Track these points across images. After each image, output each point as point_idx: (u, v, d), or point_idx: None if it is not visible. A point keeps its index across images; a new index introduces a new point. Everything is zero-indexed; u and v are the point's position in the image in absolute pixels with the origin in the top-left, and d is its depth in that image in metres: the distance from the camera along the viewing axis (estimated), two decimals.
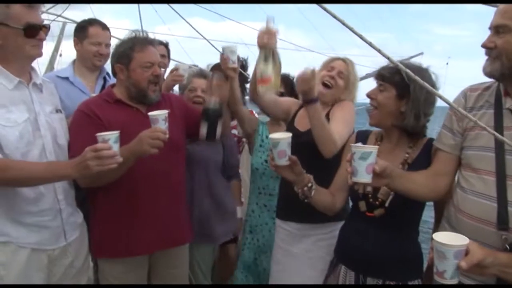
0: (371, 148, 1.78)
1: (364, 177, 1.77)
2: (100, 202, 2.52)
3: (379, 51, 1.63)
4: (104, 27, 3.34)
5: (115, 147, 2.03)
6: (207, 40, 3.61)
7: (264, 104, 2.90)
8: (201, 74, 3.27)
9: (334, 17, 1.60)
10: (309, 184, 2.15)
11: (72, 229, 2.38)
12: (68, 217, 2.35)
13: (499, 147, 1.87)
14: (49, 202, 2.24)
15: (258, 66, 2.32)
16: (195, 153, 3.07)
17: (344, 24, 1.60)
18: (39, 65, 9.27)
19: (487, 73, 1.87)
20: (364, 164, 1.75)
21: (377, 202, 2.16)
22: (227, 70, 2.75)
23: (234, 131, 3.77)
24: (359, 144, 1.86)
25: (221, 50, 2.80)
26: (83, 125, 2.39)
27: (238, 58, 2.76)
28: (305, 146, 2.44)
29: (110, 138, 2.03)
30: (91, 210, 2.58)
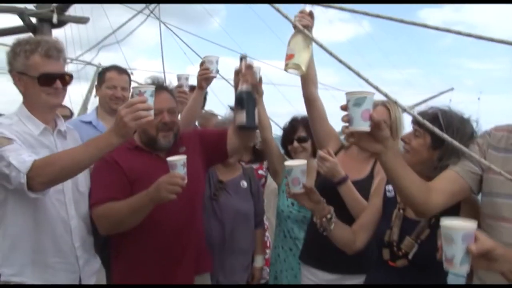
0: (365, 93, 1.65)
1: (360, 124, 1.63)
2: (122, 246, 2.52)
3: (385, 95, 1.59)
4: (121, 71, 3.47)
5: (150, 101, 1.99)
6: (226, 80, 3.64)
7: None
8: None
9: (331, 54, 1.60)
10: (329, 216, 2.13)
11: (88, 276, 2.39)
12: (84, 264, 2.36)
13: None
14: (66, 250, 2.26)
15: (289, 43, 2.27)
16: (227, 204, 3.12)
17: (349, 67, 1.59)
18: (73, 104, 9.73)
19: None
20: (360, 110, 1.63)
21: (400, 253, 2.07)
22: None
23: (261, 172, 3.75)
24: (353, 90, 1.70)
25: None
26: (103, 172, 2.43)
27: (261, 79, 2.76)
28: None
29: (146, 91, 1.99)
30: (113, 255, 2.58)
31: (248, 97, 2.38)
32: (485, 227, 1.88)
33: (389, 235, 2.11)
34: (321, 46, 1.82)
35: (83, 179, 2.38)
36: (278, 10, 1.68)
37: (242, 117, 2.37)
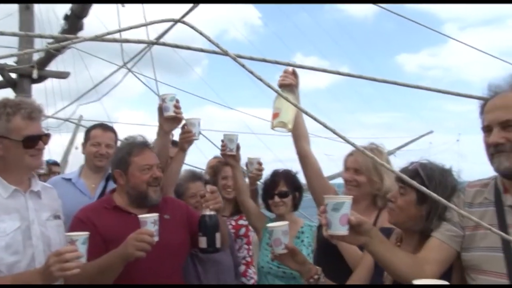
0: (344, 198, 1.74)
1: (339, 229, 1.72)
2: None
3: (353, 144, 1.64)
4: (106, 129, 3.49)
5: (82, 249, 1.99)
6: (204, 136, 3.72)
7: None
8: (194, 176, 3.31)
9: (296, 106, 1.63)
10: (316, 276, 2.11)
11: None
12: None
13: (507, 247, 1.78)
14: None
15: (274, 102, 2.34)
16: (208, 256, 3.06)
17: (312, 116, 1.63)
18: (52, 154, 9.67)
19: (504, 169, 1.80)
20: (338, 216, 1.71)
21: None
22: (226, 158, 2.88)
23: (242, 221, 3.71)
24: (331, 195, 1.81)
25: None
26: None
27: (238, 147, 2.86)
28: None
29: (78, 239, 1.99)
30: None
31: (210, 222, 2.47)
32: (470, 280, 1.90)
33: (388, 278, 2.08)
34: (286, 99, 1.89)
35: (57, 239, 2.32)
36: (243, 66, 1.72)
37: (203, 242, 2.47)
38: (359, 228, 1.76)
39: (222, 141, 2.87)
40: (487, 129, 1.84)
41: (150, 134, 2.85)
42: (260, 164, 3.48)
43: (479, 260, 1.87)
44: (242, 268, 3.63)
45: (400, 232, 2.21)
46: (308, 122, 2.75)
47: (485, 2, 2.72)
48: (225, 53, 1.69)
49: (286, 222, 2.15)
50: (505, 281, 1.74)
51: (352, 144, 1.85)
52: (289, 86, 2.35)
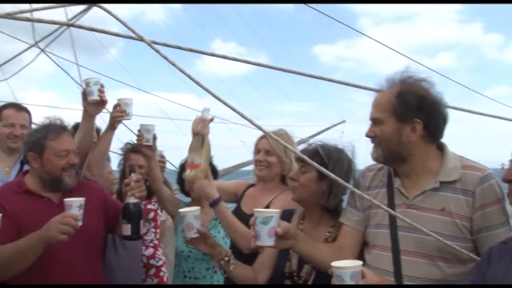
0: (273, 213, 1.88)
1: (266, 240, 1.85)
2: None
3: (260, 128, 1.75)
4: (20, 109, 3.31)
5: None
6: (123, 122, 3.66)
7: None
8: (137, 149, 3.31)
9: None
10: (226, 258, 2.20)
11: None
12: None
13: (393, 223, 2.01)
14: None
15: (190, 152, 2.37)
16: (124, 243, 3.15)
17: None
18: None
19: (374, 159, 2.06)
20: (266, 228, 1.84)
21: (301, 281, 2.20)
22: (142, 148, 2.82)
23: (150, 206, 3.74)
24: (261, 209, 1.94)
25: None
26: None
27: (155, 137, 2.83)
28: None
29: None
30: None
31: (135, 210, 2.47)
32: (366, 255, 2.10)
33: (289, 266, 2.25)
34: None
35: None
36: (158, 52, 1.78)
37: (127, 229, 2.46)
38: (285, 235, 1.92)
39: (139, 131, 2.83)
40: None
41: (63, 116, 2.73)
42: (163, 157, 3.58)
43: (371, 236, 2.09)
44: (151, 250, 3.68)
45: (301, 211, 2.38)
46: (224, 110, 2.88)
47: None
48: (140, 39, 1.72)
49: (197, 207, 2.22)
50: (389, 254, 1.97)
51: (260, 129, 2.00)
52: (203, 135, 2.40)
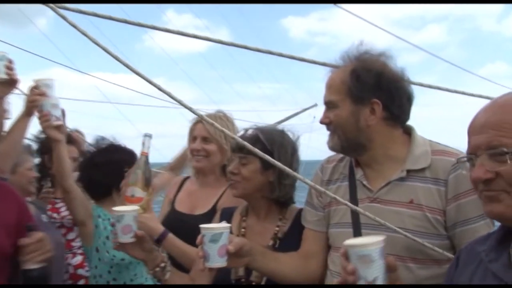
0: (222, 229, 1.64)
1: (217, 261, 1.62)
2: None
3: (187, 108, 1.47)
4: None
5: None
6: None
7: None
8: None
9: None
10: (162, 264, 1.93)
11: None
12: None
13: (356, 221, 1.78)
14: None
15: (129, 185, 2.04)
16: None
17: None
18: None
19: (330, 148, 1.83)
20: (216, 247, 1.61)
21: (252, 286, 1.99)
22: (49, 131, 2.28)
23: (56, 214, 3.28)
24: (208, 225, 1.69)
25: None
26: None
27: (63, 113, 2.39)
28: (192, 232, 2.10)
29: None
30: None
31: (40, 279, 1.89)
32: (329, 260, 1.88)
33: (235, 272, 2.00)
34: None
35: None
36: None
37: None
38: (239, 252, 1.68)
39: (41, 110, 2.27)
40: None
41: None
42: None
43: (333, 237, 1.87)
44: (79, 259, 3.25)
45: (243, 206, 2.17)
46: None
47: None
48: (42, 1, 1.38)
49: (136, 207, 1.92)
50: None
51: (192, 111, 1.74)
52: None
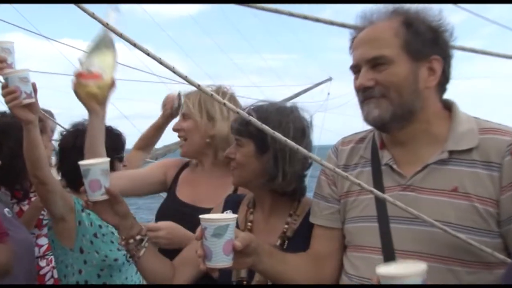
0: (228, 220, 1.37)
1: (222, 260, 1.36)
2: None
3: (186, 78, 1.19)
4: None
5: None
6: None
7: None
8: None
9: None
10: (138, 237, 1.65)
11: None
12: None
13: (382, 213, 1.48)
14: None
15: (88, 54, 1.75)
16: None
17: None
18: None
19: (375, 118, 1.47)
20: (220, 243, 1.35)
21: None
22: (18, 111, 1.95)
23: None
24: (210, 216, 1.42)
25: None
26: None
27: (34, 87, 2.00)
28: (194, 221, 1.80)
29: None
30: None
31: None
32: (345, 261, 1.60)
33: (236, 273, 1.74)
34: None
35: None
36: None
37: None
38: (245, 250, 1.41)
39: (6, 79, 1.94)
40: (355, 70, 1.51)
41: None
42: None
43: (351, 233, 1.58)
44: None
45: (251, 196, 1.89)
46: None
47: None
48: None
49: (106, 159, 1.67)
50: (379, 257, 1.45)
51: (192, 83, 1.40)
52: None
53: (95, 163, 1.63)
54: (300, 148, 1.44)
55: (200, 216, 1.39)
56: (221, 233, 1.35)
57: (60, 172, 2.48)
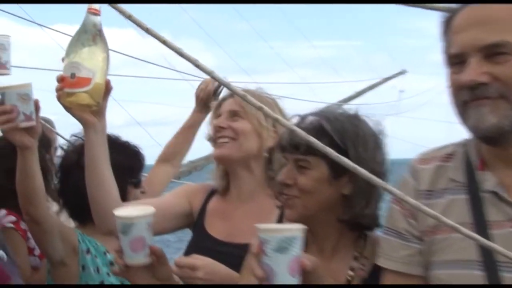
0: (294, 231, 1.20)
1: (287, 279, 1.18)
2: None
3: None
4: None
5: None
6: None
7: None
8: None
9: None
10: None
11: None
12: None
13: (489, 259, 1.16)
14: None
15: (71, 54, 1.41)
16: None
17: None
18: None
19: (491, 127, 1.14)
20: (286, 260, 1.17)
21: None
22: (13, 135, 1.67)
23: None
24: (271, 226, 1.26)
25: None
26: None
27: (37, 105, 1.71)
28: (233, 262, 1.60)
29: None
30: None
31: None
32: None
33: None
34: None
35: None
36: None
37: None
38: (310, 276, 1.23)
39: (2, 94, 1.66)
40: (456, 60, 1.18)
41: None
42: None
43: (445, 282, 1.23)
44: None
45: (303, 228, 1.50)
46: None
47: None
48: None
49: (151, 208, 1.41)
50: None
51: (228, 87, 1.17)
52: None
53: (141, 215, 1.37)
54: (363, 172, 1.07)
55: (257, 226, 1.18)
56: (287, 246, 1.17)
57: (60, 197, 2.12)
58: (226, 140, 1.78)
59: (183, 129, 2.44)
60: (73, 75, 1.38)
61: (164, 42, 0.96)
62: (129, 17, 0.99)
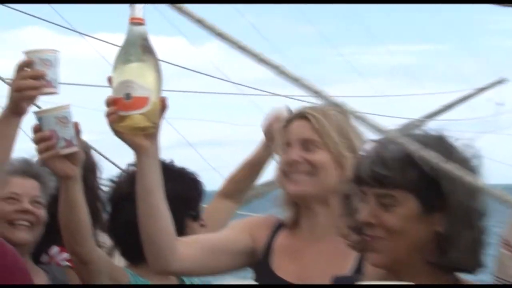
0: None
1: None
2: None
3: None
4: None
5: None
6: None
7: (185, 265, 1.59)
8: (27, 170, 1.97)
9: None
10: None
11: None
12: None
13: None
14: None
15: (121, 72, 1.30)
16: None
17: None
18: None
19: None
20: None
21: None
22: (53, 163, 1.54)
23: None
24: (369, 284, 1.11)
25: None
26: None
27: (78, 129, 1.59)
28: None
29: None
30: None
31: None
32: None
33: None
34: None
35: None
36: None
37: None
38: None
39: (39, 119, 1.52)
40: None
41: None
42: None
43: None
44: None
45: (381, 274, 1.28)
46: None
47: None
48: None
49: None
50: None
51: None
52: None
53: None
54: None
55: (360, 283, 1.04)
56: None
57: (110, 234, 1.99)
58: (302, 176, 1.59)
59: (248, 165, 2.20)
60: (128, 96, 1.25)
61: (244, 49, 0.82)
62: (198, 21, 0.85)
